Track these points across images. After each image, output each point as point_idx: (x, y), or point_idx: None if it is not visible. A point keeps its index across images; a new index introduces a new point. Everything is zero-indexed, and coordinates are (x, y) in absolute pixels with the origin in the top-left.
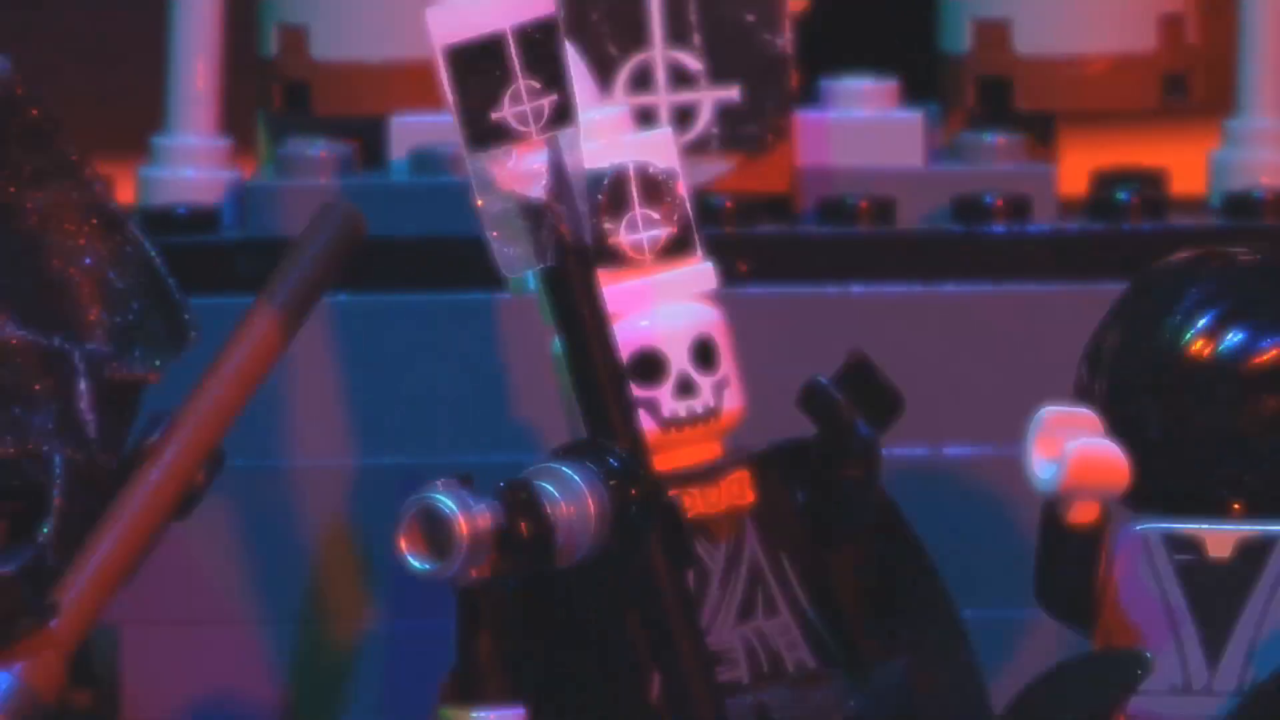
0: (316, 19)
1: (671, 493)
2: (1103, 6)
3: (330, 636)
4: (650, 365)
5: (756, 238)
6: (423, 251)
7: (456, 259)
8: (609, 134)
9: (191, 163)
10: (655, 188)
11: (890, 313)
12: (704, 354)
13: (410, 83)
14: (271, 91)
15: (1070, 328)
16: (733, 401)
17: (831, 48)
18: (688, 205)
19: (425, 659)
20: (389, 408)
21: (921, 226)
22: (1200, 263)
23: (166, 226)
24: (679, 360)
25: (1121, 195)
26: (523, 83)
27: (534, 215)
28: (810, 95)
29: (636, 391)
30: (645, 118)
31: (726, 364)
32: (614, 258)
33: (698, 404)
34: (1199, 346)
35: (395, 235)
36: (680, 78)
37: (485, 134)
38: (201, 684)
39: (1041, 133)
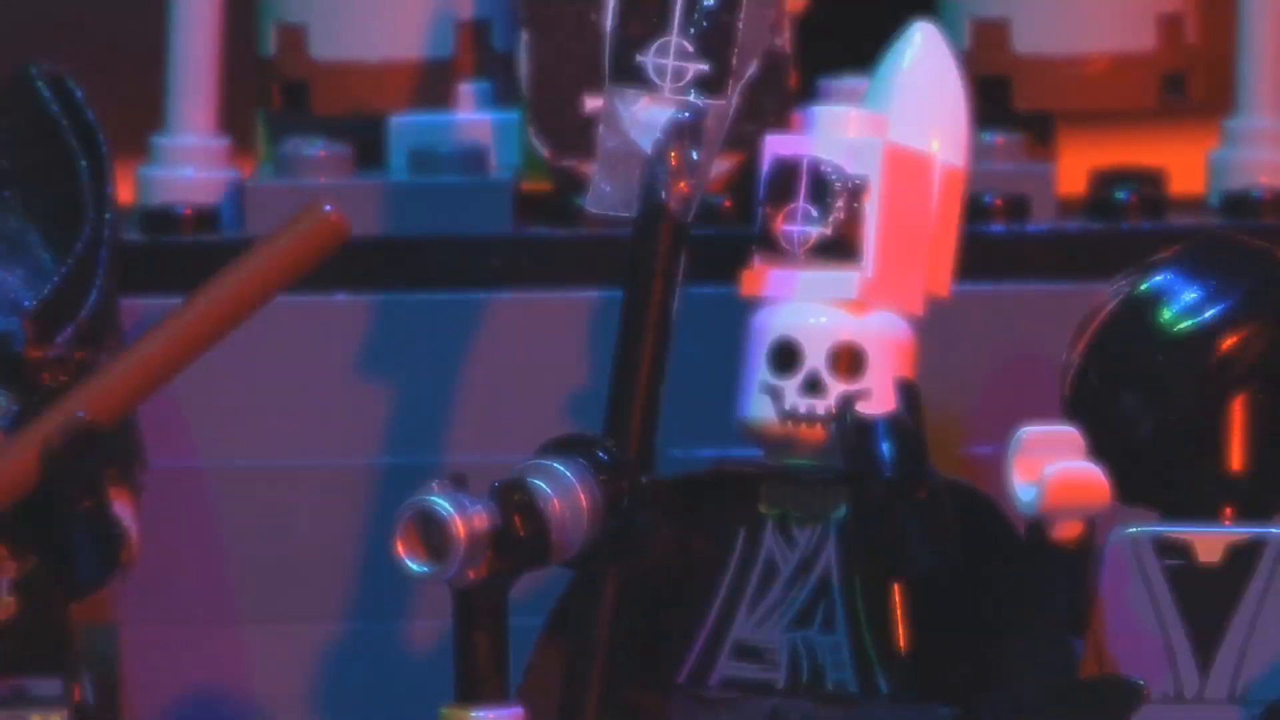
0: (315, 18)
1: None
2: (1101, 6)
3: (330, 636)
4: (785, 356)
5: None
6: (421, 251)
7: (455, 259)
8: (829, 131)
9: (191, 162)
10: (823, 187)
11: None
12: (845, 362)
13: (409, 82)
14: (270, 91)
15: (1069, 327)
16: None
17: (831, 48)
18: (863, 215)
19: (425, 659)
20: (388, 408)
21: None
22: (1193, 258)
23: (166, 226)
24: (814, 358)
25: (1120, 195)
26: (674, 39)
27: (637, 164)
28: (810, 95)
29: (768, 378)
30: None
31: (876, 379)
32: (768, 243)
33: (820, 405)
34: (1187, 346)
35: (394, 235)
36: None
37: (625, 71)
38: (201, 684)
39: (1040, 132)
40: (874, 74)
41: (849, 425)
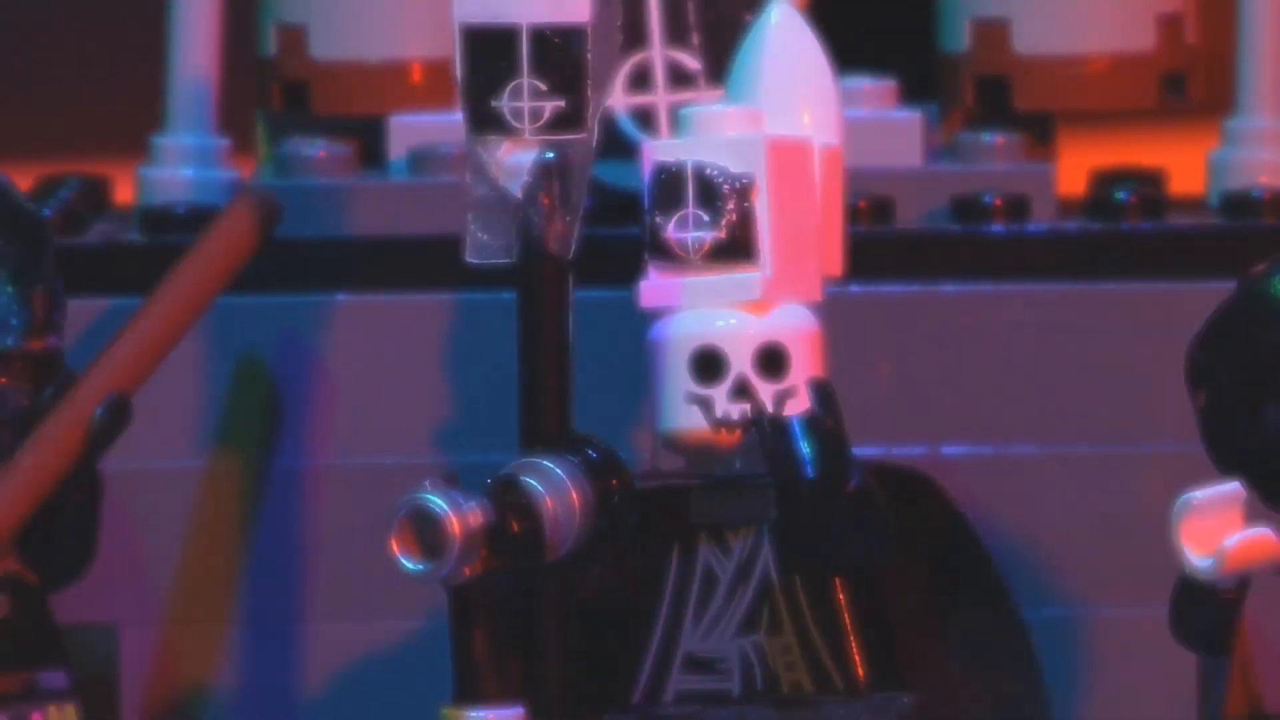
0: (315, 18)
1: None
2: (1101, 6)
3: (330, 636)
4: (709, 364)
5: None
6: (421, 251)
7: (455, 259)
8: (703, 130)
9: (191, 162)
10: (711, 190)
11: (889, 312)
12: (770, 361)
13: (409, 82)
14: (270, 91)
15: (1069, 327)
16: (798, 412)
17: (830, 47)
18: (755, 214)
19: (424, 659)
20: (389, 407)
21: (920, 226)
22: None
23: (166, 225)
24: (740, 363)
25: (1120, 195)
26: (526, 81)
27: (510, 210)
28: None
29: (693, 388)
30: (643, 118)
31: (799, 375)
32: (662, 252)
33: (751, 410)
34: None
35: (394, 235)
36: (679, 77)
37: (482, 119)
38: (202, 684)
39: (1040, 132)
40: (735, 60)
41: (766, 427)
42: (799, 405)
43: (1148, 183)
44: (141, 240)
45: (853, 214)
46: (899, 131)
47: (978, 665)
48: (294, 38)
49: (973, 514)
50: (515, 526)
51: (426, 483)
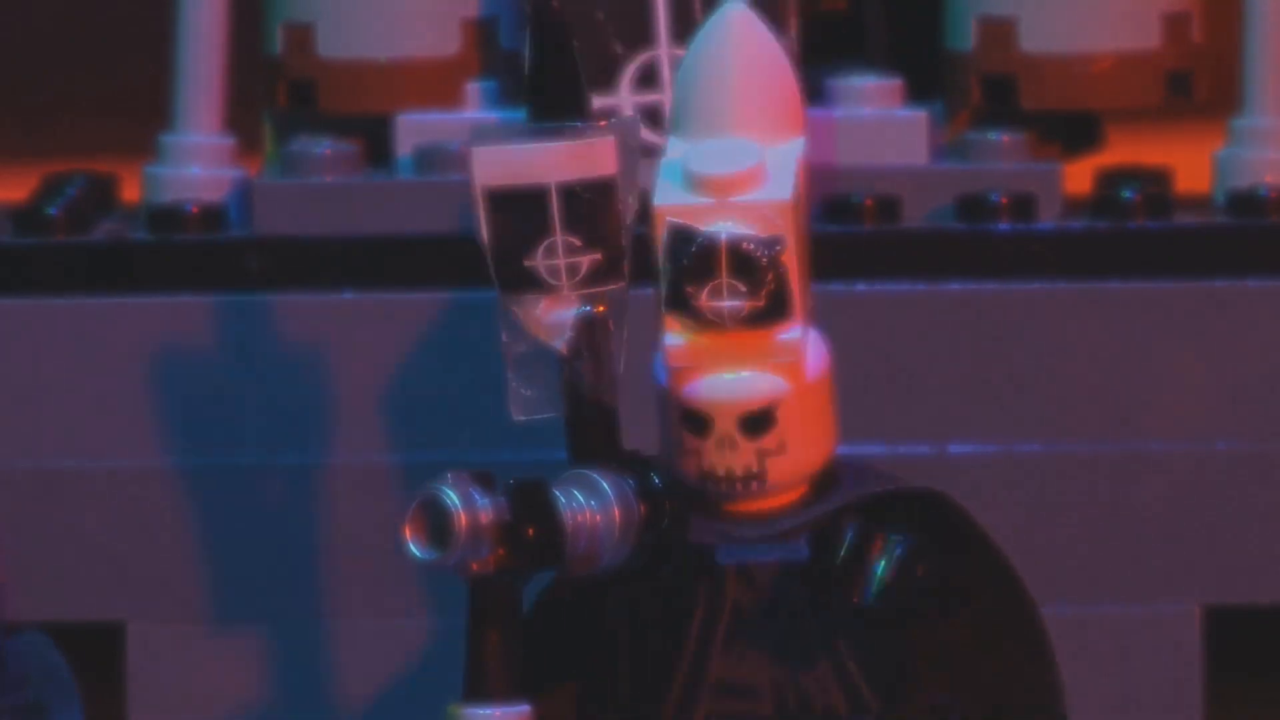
0: (322, 17)
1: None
2: (1107, 5)
3: (333, 636)
4: (697, 423)
5: None
6: (427, 250)
7: (461, 258)
8: (722, 192)
9: (197, 161)
10: (747, 263)
11: (894, 311)
12: (754, 423)
13: (416, 81)
14: (277, 89)
15: (1074, 326)
16: (786, 468)
17: (835, 46)
18: (788, 275)
19: (428, 658)
20: (391, 406)
21: (926, 225)
22: None
23: (173, 224)
24: (725, 424)
25: (1126, 194)
26: (560, 238)
27: (551, 365)
28: (815, 94)
29: (687, 442)
30: (652, 116)
31: (787, 432)
32: (696, 318)
33: (737, 465)
34: None
35: (400, 233)
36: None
37: (516, 280)
38: (206, 683)
39: (1043, 132)
40: (688, 64)
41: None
42: (791, 462)
43: (1154, 181)
44: (148, 239)
45: (858, 212)
46: (904, 130)
47: (1000, 694)
48: (301, 36)
49: (979, 513)
50: (530, 531)
51: (449, 475)
